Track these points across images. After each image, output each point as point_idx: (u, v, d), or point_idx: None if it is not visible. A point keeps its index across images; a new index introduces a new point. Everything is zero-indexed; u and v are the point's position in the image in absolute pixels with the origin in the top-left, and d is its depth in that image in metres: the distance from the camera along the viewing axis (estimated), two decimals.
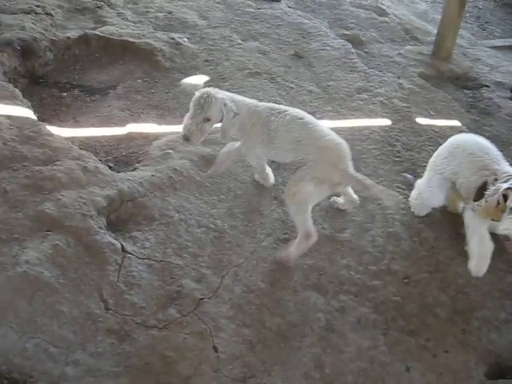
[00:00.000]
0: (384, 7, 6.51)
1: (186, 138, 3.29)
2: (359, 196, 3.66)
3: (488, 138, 4.54)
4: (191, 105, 3.29)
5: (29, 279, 2.99)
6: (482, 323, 3.21)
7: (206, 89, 3.32)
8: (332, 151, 3.19)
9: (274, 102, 4.54)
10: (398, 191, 3.90)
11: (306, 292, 3.22)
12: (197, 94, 3.28)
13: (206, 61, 5.07)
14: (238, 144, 3.60)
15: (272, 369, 2.86)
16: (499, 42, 6.61)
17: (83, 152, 3.81)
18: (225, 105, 3.29)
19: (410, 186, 3.94)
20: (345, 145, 3.26)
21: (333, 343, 3.01)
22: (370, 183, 3.17)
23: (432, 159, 3.73)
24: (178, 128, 4.15)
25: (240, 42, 5.41)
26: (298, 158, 3.26)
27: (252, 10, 5.95)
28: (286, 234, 3.53)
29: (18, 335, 2.79)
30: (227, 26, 5.64)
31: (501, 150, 4.36)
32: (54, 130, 4.01)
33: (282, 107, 3.46)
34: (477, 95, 5.28)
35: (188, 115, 3.31)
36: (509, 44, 6.61)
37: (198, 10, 5.83)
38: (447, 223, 3.76)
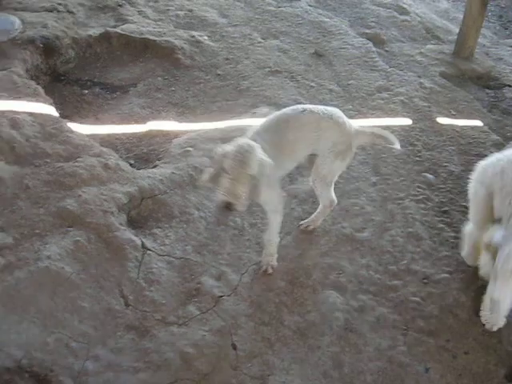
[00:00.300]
0: (405, 6, 6.45)
1: (230, 206, 2.78)
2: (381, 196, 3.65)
3: (509, 138, 4.54)
4: (228, 164, 2.75)
5: (50, 274, 3.03)
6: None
7: (242, 140, 2.87)
8: (334, 124, 3.19)
9: (294, 100, 4.56)
10: (419, 191, 3.87)
11: (326, 291, 3.21)
12: (232, 147, 2.80)
13: (227, 59, 5.08)
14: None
15: (291, 367, 2.87)
16: None
17: (104, 149, 3.85)
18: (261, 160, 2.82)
19: (430, 186, 3.92)
20: (336, 111, 3.29)
21: (352, 342, 3.00)
22: (378, 131, 3.33)
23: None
24: (198, 126, 4.20)
25: (260, 40, 5.41)
26: (318, 147, 3.23)
27: (272, 8, 5.94)
28: (305, 233, 3.52)
29: (40, 330, 2.84)
30: (247, 24, 5.63)
31: None
32: (75, 127, 4.06)
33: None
34: (499, 95, 5.22)
35: (225, 178, 2.78)
36: None
37: (218, 8, 5.83)
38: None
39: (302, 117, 3.16)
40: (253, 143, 2.84)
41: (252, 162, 2.74)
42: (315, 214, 3.53)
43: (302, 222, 3.57)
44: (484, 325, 3.13)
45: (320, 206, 3.48)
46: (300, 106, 3.26)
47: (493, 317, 3.09)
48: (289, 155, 3.18)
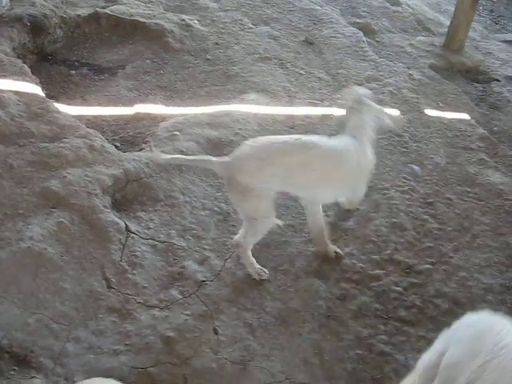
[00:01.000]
0: None
1: None
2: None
3: (496, 132, 4.57)
4: None
5: (32, 255, 3.01)
6: None
7: None
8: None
9: (283, 87, 4.55)
10: (404, 182, 3.88)
11: (308, 278, 3.22)
12: None
13: (216, 44, 5.05)
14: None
15: (271, 353, 2.87)
16: (511, 37, 6.55)
17: (90, 130, 3.82)
18: None
19: (415, 177, 3.94)
20: None
21: (333, 330, 3.01)
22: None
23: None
24: (186, 110, 4.18)
25: (251, 26, 5.37)
26: None
27: None
28: (290, 220, 3.52)
29: (21, 310, 2.82)
30: (238, 9, 5.60)
31: (509, 146, 4.40)
32: (61, 107, 4.02)
33: None
34: (487, 89, 5.24)
35: None
36: None
37: None
38: (452, 215, 3.74)
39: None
40: None
41: None
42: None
43: None
44: None
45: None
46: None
47: None
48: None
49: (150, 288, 3.04)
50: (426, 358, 2.28)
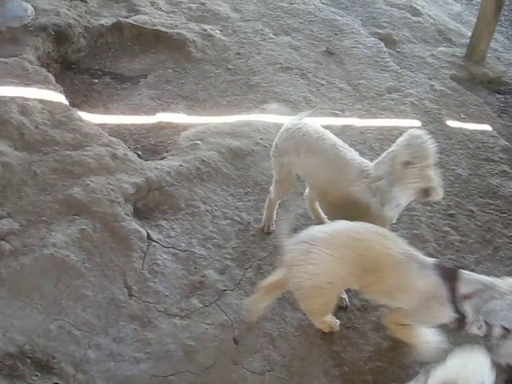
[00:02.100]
0: (418, 7, 6.44)
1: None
2: None
3: None
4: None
5: (55, 262, 3.04)
6: None
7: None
8: None
9: (304, 97, 4.56)
10: None
11: None
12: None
13: (238, 54, 5.07)
14: None
15: (291, 364, 2.86)
16: None
17: (113, 139, 3.85)
18: None
19: None
20: None
21: (353, 341, 3.00)
22: None
23: None
24: (207, 119, 4.20)
25: (272, 36, 5.40)
26: None
27: (285, 4, 5.93)
28: None
29: (43, 316, 2.84)
30: (259, 19, 5.63)
31: None
32: (84, 115, 4.06)
33: None
34: (509, 100, 5.20)
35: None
36: None
37: (230, 3, 5.83)
38: (474, 227, 3.72)
39: None
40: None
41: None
42: None
43: None
44: None
45: None
46: None
47: None
48: None
49: (170, 296, 3.05)
50: None
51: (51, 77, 4.31)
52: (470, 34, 5.68)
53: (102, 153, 3.66)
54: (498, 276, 3.33)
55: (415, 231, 3.62)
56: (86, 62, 4.95)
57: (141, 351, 2.81)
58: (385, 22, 6.01)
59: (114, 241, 3.22)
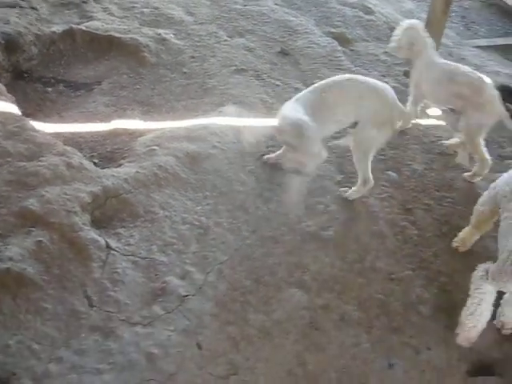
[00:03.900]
0: (370, 5, 6.52)
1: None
2: None
3: None
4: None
5: (12, 276, 2.97)
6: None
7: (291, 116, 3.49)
8: (376, 95, 3.60)
9: (260, 99, 4.57)
10: (383, 189, 3.92)
11: (290, 289, 3.23)
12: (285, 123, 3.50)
13: (192, 57, 5.05)
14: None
15: (255, 366, 2.87)
16: (484, 42, 6.66)
17: (68, 148, 3.79)
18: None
19: (393, 184, 3.97)
20: (385, 86, 3.72)
21: (316, 340, 3.03)
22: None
23: None
24: (164, 124, 4.18)
25: (226, 38, 5.39)
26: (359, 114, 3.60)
27: (239, 6, 5.94)
28: (270, 231, 3.53)
29: (1, 332, 2.78)
30: (213, 22, 5.61)
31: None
32: (38, 125, 3.98)
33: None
34: None
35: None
36: (493, 44, 6.66)
37: (184, 6, 5.80)
38: (431, 221, 3.79)
39: (346, 84, 3.64)
40: (301, 117, 3.38)
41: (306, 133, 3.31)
42: (354, 188, 3.78)
43: (342, 189, 3.84)
44: None
45: (358, 183, 3.75)
46: (347, 75, 3.81)
47: None
48: (329, 117, 3.57)
49: (132, 305, 3.02)
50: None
51: (2, 87, 4.21)
52: None
53: (56, 162, 3.59)
54: (456, 268, 3.47)
55: (374, 227, 3.67)
56: (39, 71, 4.85)
57: (103, 362, 2.77)
58: (338, 21, 6.06)
59: (72, 251, 3.17)
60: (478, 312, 3.03)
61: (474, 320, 3.05)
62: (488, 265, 3.04)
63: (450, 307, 3.29)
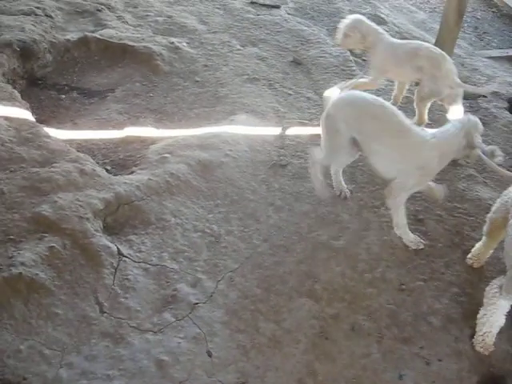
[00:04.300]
0: (383, 15, 6.53)
1: None
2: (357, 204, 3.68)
3: None
4: None
5: (24, 281, 3.00)
6: (475, 332, 3.21)
7: None
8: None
9: (272, 108, 4.59)
10: None
11: (301, 298, 3.23)
12: None
13: (205, 66, 5.09)
14: None
15: (265, 375, 2.87)
16: (496, 53, 6.63)
17: (81, 154, 3.83)
18: None
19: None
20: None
21: (326, 350, 3.01)
22: None
23: None
24: (176, 132, 4.21)
25: (239, 47, 5.43)
26: None
27: (251, 15, 5.98)
28: (281, 240, 3.54)
29: (13, 336, 2.81)
30: (226, 31, 5.66)
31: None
32: (51, 132, 4.03)
33: None
34: (474, 105, 5.29)
35: None
36: (506, 55, 6.63)
37: (197, 15, 5.85)
38: (442, 231, 3.77)
39: None
40: None
41: None
42: None
43: None
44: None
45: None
46: None
47: None
48: None
49: (142, 312, 3.04)
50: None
51: (17, 93, 4.28)
52: (434, 41, 5.77)
53: (69, 169, 3.63)
54: (467, 279, 3.45)
55: (385, 237, 3.65)
56: (53, 78, 4.91)
57: (114, 368, 2.78)
58: None
59: (83, 257, 3.19)
60: (492, 319, 3.03)
61: (489, 326, 3.05)
62: (501, 280, 3.02)
63: (462, 318, 3.27)
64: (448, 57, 4.39)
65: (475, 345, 3.14)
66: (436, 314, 3.28)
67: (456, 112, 4.48)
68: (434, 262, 3.57)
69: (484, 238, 3.47)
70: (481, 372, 3.07)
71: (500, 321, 3.05)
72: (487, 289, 3.09)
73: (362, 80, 4.61)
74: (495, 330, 3.07)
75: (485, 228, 3.43)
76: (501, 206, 3.25)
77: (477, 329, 3.13)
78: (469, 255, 3.56)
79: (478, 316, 3.11)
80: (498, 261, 3.58)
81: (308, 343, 3.03)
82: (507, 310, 3.02)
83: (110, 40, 5.19)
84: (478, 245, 3.52)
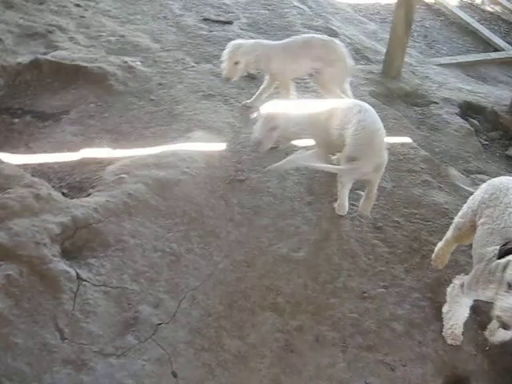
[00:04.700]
0: (334, 27, 6.64)
1: None
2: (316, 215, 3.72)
3: (437, 153, 4.72)
4: None
5: None
6: (437, 335, 3.27)
7: None
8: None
9: (228, 123, 4.61)
10: (352, 209, 3.95)
11: (264, 313, 3.23)
12: None
13: (160, 84, 5.08)
14: None
15: None
16: (446, 60, 6.81)
17: (35, 179, 3.77)
18: None
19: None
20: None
21: (292, 363, 3.02)
22: None
23: None
24: (132, 152, 4.18)
25: (193, 64, 5.44)
26: None
27: (205, 32, 6.00)
28: (242, 255, 3.54)
29: None
30: (180, 48, 5.66)
31: (450, 165, 4.55)
32: (5, 157, 3.96)
33: None
34: (426, 112, 5.42)
35: None
36: (455, 61, 6.83)
37: (150, 34, 5.84)
38: (401, 238, 3.83)
39: None
40: None
41: None
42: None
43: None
44: None
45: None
46: None
47: None
48: None
49: (104, 336, 2.99)
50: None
51: None
52: (385, 50, 5.89)
53: (24, 194, 3.56)
54: (427, 284, 3.50)
55: (345, 247, 3.69)
56: (5, 102, 4.82)
57: None
58: None
59: (42, 284, 3.13)
60: (457, 314, 3.16)
61: (455, 319, 3.17)
62: (461, 278, 3.09)
63: (424, 323, 3.32)
64: (338, 41, 4.70)
65: (445, 338, 3.22)
66: (398, 319, 3.33)
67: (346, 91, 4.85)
68: (394, 269, 3.62)
69: (445, 239, 3.52)
70: (445, 374, 3.13)
71: (465, 314, 3.17)
72: (449, 289, 3.17)
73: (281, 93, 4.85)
74: (461, 322, 3.18)
75: (450, 232, 3.47)
76: (468, 210, 3.31)
77: (444, 323, 3.22)
78: (432, 257, 3.62)
79: (444, 311, 3.22)
80: (455, 263, 3.66)
81: (273, 357, 3.03)
82: (470, 304, 3.11)
83: (63, 61, 5.13)
84: (440, 245, 3.58)
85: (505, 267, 2.66)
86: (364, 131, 3.61)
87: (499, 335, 3.10)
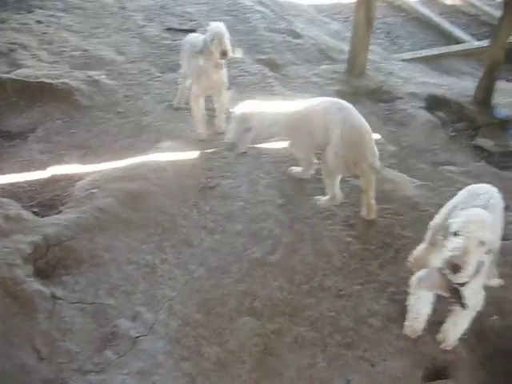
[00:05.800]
0: (297, 30, 6.70)
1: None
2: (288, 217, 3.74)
3: (405, 147, 4.77)
4: None
5: None
6: None
7: None
8: None
9: (196, 132, 4.60)
10: (324, 208, 3.98)
11: (242, 318, 3.23)
12: None
13: (126, 96, 5.07)
14: None
15: None
16: (409, 55, 6.90)
17: (4, 200, 3.74)
18: None
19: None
20: None
21: (272, 366, 3.03)
22: None
23: None
24: (102, 166, 4.16)
25: (158, 74, 5.45)
26: None
27: (168, 42, 6.01)
28: (217, 262, 3.54)
29: None
30: (144, 59, 5.67)
31: (418, 159, 4.60)
32: None
33: None
34: (392, 107, 5.49)
35: None
36: (419, 55, 6.92)
37: (114, 46, 5.84)
38: (374, 233, 3.86)
39: None
40: None
41: None
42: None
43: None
44: None
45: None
46: None
47: None
48: None
49: (83, 353, 2.98)
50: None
51: None
52: (348, 49, 5.95)
53: None
54: (403, 277, 3.53)
55: (319, 246, 3.72)
56: None
57: None
58: (267, 47, 6.20)
59: (16, 305, 3.11)
60: (417, 307, 3.15)
61: (415, 313, 3.16)
62: (423, 272, 3.11)
63: (401, 316, 3.33)
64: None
65: (404, 329, 3.24)
66: (376, 315, 3.35)
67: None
68: (368, 265, 3.65)
69: (424, 243, 3.51)
70: (425, 366, 3.15)
71: (425, 308, 3.16)
72: (411, 280, 3.18)
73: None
74: (423, 317, 3.18)
75: (428, 236, 3.46)
76: (442, 214, 3.32)
77: (407, 315, 3.24)
78: (411, 260, 3.60)
79: (407, 303, 3.22)
80: None
81: (253, 362, 3.04)
82: (430, 300, 3.13)
83: (27, 79, 5.10)
84: (419, 248, 3.54)
85: (448, 226, 2.75)
86: (353, 130, 3.62)
87: (450, 334, 3.16)
